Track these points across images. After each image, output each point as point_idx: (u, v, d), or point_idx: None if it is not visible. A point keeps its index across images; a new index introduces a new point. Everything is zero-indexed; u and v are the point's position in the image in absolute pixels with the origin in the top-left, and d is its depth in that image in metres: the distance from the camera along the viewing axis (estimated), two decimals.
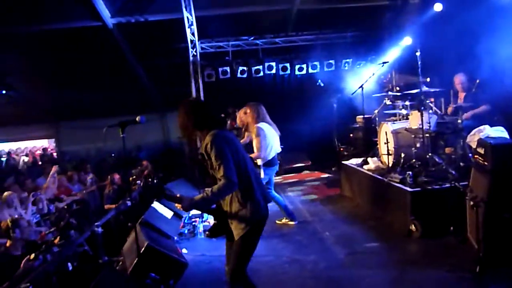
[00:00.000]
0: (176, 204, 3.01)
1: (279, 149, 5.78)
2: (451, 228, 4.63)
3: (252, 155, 5.69)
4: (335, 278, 4.10)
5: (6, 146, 17.32)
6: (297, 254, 4.88)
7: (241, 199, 2.94)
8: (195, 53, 10.89)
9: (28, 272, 3.66)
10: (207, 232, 3.38)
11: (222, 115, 8.68)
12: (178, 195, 3.02)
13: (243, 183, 2.91)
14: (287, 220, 6.04)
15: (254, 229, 2.95)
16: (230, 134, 3.09)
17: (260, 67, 11.00)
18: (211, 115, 3.08)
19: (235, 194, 2.94)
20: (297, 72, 11.17)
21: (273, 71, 11.11)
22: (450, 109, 6.37)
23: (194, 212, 6.60)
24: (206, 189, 2.92)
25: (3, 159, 15.32)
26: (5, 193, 6.28)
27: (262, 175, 5.53)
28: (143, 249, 4.09)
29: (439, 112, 6.40)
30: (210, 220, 6.49)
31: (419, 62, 5.75)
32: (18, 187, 7.37)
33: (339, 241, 5.09)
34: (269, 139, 5.54)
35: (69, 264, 4.21)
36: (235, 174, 2.83)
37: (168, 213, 5.90)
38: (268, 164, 5.59)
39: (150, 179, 7.03)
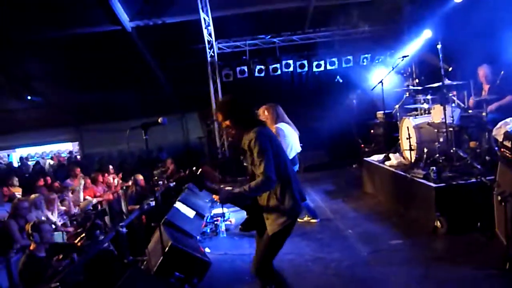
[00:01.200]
0: (214, 196, 3.10)
1: (299, 149, 5.75)
2: (478, 224, 4.52)
3: None
4: (359, 276, 4.06)
5: (32, 150, 17.83)
6: (320, 252, 4.85)
7: (280, 196, 2.98)
8: (212, 54, 10.97)
9: (56, 272, 3.77)
10: (240, 226, 3.45)
11: None
12: (216, 187, 3.14)
13: (282, 180, 2.96)
14: (309, 218, 6.02)
15: (288, 226, 2.99)
16: (269, 131, 3.14)
17: (278, 65, 11.00)
18: (251, 112, 3.16)
19: (274, 191, 2.98)
20: (315, 69, 11.12)
21: (291, 69, 11.10)
22: (471, 102, 6.20)
23: (216, 211, 6.66)
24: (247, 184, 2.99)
25: (31, 162, 15.77)
26: (32, 195, 6.45)
27: None
28: (167, 248, 4.15)
29: (462, 105, 6.25)
30: (232, 219, 6.54)
31: (441, 55, 5.64)
32: (45, 189, 7.57)
33: (362, 239, 5.04)
34: (289, 139, 5.52)
35: (96, 263, 4.32)
36: (274, 172, 2.88)
37: (190, 213, 5.97)
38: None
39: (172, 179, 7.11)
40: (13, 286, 4.40)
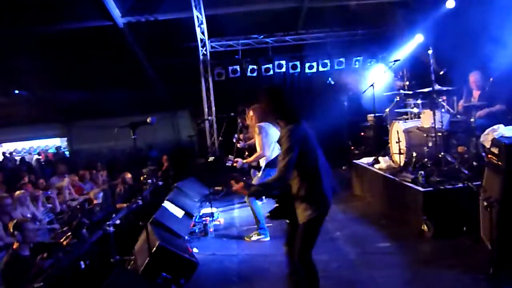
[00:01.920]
0: (234, 187, 3.27)
1: None
2: (464, 228, 4.57)
3: (255, 155, 5.64)
4: (347, 278, 4.08)
5: (19, 145, 17.57)
6: None
7: (309, 189, 3.12)
8: (205, 52, 10.91)
9: (40, 271, 3.71)
10: (267, 214, 3.51)
11: (232, 114, 8.67)
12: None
13: (312, 175, 3.13)
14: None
15: (318, 217, 3.13)
16: (305, 128, 3.21)
17: (270, 65, 10.97)
18: (290, 106, 3.24)
19: (304, 183, 3.13)
20: (307, 71, 11.12)
21: (283, 69, 11.08)
22: (460, 106, 6.26)
23: (205, 211, 6.64)
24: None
25: (17, 157, 15.53)
26: (17, 192, 6.36)
27: (259, 175, 5.45)
28: (154, 248, 4.12)
29: (451, 110, 6.31)
30: (221, 219, 6.52)
31: (432, 60, 5.68)
32: (30, 186, 7.47)
33: (350, 241, 5.06)
34: (271, 138, 5.43)
35: (82, 263, 4.26)
36: (291, 172, 3.06)
37: (179, 213, 5.93)
38: (271, 164, 5.43)
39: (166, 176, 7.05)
40: None
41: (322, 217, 3.16)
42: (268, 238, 5.56)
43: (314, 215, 3.09)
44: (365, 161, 7.32)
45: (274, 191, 3.27)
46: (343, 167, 9.70)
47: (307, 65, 11.02)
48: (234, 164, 5.28)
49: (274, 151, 5.46)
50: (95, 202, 7.16)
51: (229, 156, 5.80)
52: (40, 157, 16.40)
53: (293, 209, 3.20)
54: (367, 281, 3.96)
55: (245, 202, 7.60)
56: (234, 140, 7.09)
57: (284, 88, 3.46)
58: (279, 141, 3.18)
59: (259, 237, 5.56)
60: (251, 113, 6.12)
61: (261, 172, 5.47)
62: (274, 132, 5.54)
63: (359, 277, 4.06)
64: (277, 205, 3.34)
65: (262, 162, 5.53)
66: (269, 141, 5.42)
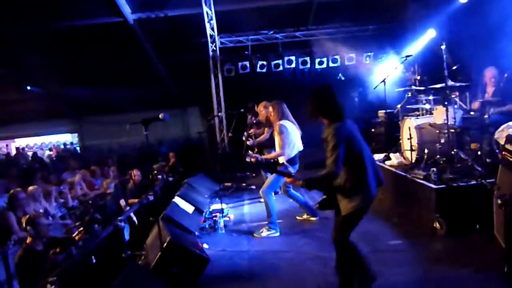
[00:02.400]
0: (287, 179, 3.55)
1: (301, 147, 5.70)
2: (477, 226, 4.51)
3: (274, 153, 5.66)
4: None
5: (31, 141, 17.78)
6: (319, 250, 4.84)
7: (354, 182, 3.31)
8: (214, 48, 10.91)
9: (54, 265, 3.75)
10: (316, 205, 3.69)
11: (242, 110, 8.67)
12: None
13: (358, 169, 3.30)
14: (308, 216, 6.00)
15: (360, 209, 3.31)
16: (349, 125, 3.39)
17: (280, 61, 10.95)
18: (335, 104, 3.40)
19: (350, 177, 3.30)
20: (317, 66, 11.07)
21: (293, 65, 11.04)
22: (476, 105, 6.16)
23: (215, 207, 6.65)
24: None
25: (30, 153, 15.71)
26: (30, 188, 6.43)
27: (292, 170, 5.41)
28: (165, 244, 4.13)
29: (464, 106, 6.22)
30: (231, 215, 6.53)
31: (445, 56, 5.59)
32: (42, 182, 7.55)
33: (361, 238, 4.95)
34: (292, 137, 5.49)
35: (93, 257, 4.30)
36: (339, 167, 3.22)
37: (189, 208, 5.95)
38: (290, 162, 5.51)
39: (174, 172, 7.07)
40: (10, 278, 4.39)
41: (365, 208, 3.34)
42: (278, 234, 5.55)
43: (359, 206, 3.28)
44: (376, 157, 7.24)
45: (324, 185, 3.45)
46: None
47: (317, 60, 10.97)
48: (252, 159, 5.33)
49: (293, 149, 5.52)
50: (107, 191, 7.25)
51: (249, 151, 5.82)
52: (51, 152, 16.58)
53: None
54: (379, 278, 3.90)
55: (255, 199, 7.63)
56: (244, 138, 7.09)
57: (329, 87, 3.55)
58: (325, 139, 3.32)
59: (268, 232, 5.55)
60: (263, 108, 6.12)
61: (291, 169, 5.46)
62: (294, 130, 5.57)
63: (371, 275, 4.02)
64: (324, 196, 3.54)
65: (281, 160, 5.54)
66: (289, 140, 5.46)
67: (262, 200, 5.75)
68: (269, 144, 6.73)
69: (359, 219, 3.39)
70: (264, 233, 5.55)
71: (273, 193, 5.74)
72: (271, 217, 5.56)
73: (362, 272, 3.48)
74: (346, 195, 3.34)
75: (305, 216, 6.03)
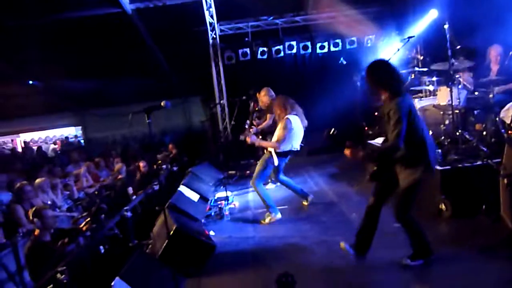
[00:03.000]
0: (346, 151, 3.62)
1: (298, 147, 5.70)
2: (483, 207, 4.50)
3: (270, 143, 5.66)
4: (365, 260, 4.06)
5: (35, 135, 17.84)
6: (324, 235, 4.86)
7: (416, 155, 3.43)
8: (214, 36, 10.82)
9: (62, 256, 3.79)
10: (367, 177, 3.82)
11: (244, 97, 8.64)
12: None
13: (418, 143, 3.42)
14: (303, 201, 6.03)
15: (419, 182, 3.46)
16: (409, 100, 3.48)
17: (281, 47, 10.85)
18: (396, 78, 3.46)
19: (411, 151, 3.40)
20: (318, 51, 10.96)
21: (294, 50, 10.94)
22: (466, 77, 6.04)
23: (220, 195, 6.68)
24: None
25: (35, 147, 15.78)
26: (38, 180, 6.47)
27: (276, 162, 5.51)
28: (172, 232, 4.16)
29: (468, 86, 6.15)
30: (236, 203, 6.56)
31: (448, 35, 5.51)
32: (47, 174, 7.60)
33: None
34: (292, 136, 5.51)
35: (101, 247, 4.34)
36: (402, 140, 3.31)
37: (194, 196, 5.98)
38: (281, 154, 5.56)
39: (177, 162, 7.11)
40: (21, 269, 4.45)
41: (423, 181, 3.47)
42: (280, 215, 5.60)
43: (419, 179, 3.42)
44: (379, 141, 7.20)
45: (386, 158, 3.54)
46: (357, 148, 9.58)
47: (318, 45, 10.86)
48: (247, 139, 5.37)
49: (288, 146, 5.53)
50: (119, 177, 7.31)
51: (246, 132, 5.81)
52: (56, 146, 16.63)
53: (391, 172, 3.57)
54: (385, 261, 3.94)
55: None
56: (246, 126, 7.07)
57: (386, 61, 3.64)
58: (388, 114, 3.39)
59: (270, 217, 5.57)
60: (264, 95, 6.09)
61: (276, 159, 5.49)
62: (298, 127, 5.59)
63: (376, 257, 4.03)
64: (375, 168, 3.65)
65: (272, 149, 5.56)
66: (289, 137, 5.47)
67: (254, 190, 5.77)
68: (273, 131, 6.73)
69: (418, 192, 3.51)
70: (267, 220, 5.58)
71: (267, 183, 5.73)
72: (270, 207, 5.60)
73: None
74: (407, 168, 3.45)
75: (304, 202, 6.05)
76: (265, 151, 5.76)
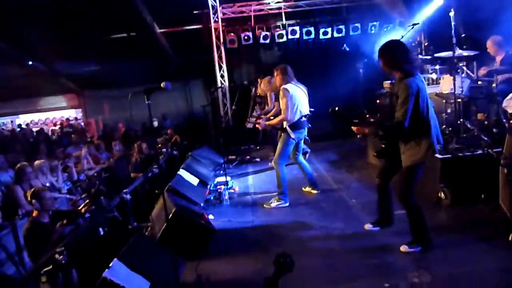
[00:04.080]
0: (354, 128, 3.77)
1: (307, 111, 5.54)
2: (482, 196, 4.51)
3: (277, 119, 5.60)
4: (362, 245, 4.09)
5: (35, 117, 17.80)
6: (323, 221, 4.88)
7: (418, 138, 3.51)
8: (216, 19, 10.69)
9: (61, 237, 3.80)
10: (374, 153, 4.05)
11: (245, 82, 8.60)
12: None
13: (422, 124, 3.48)
14: (310, 189, 6.01)
15: (421, 163, 3.55)
16: (419, 81, 3.50)
17: (283, 31, 10.73)
18: (408, 59, 3.50)
19: (416, 131, 3.49)
20: (321, 37, 10.85)
21: (297, 35, 10.82)
22: (482, 72, 6.00)
23: (219, 179, 6.69)
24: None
25: (34, 129, 15.75)
26: (37, 162, 6.46)
27: (292, 135, 5.41)
28: (171, 215, 4.17)
29: (472, 75, 6.09)
30: (235, 187, 6.57)
31: (453, 23, 5.43)
32: (46, 156, 7.59)
33: (365, 209, 5.04)
34: (295, 100, 5.35)
35: (100, 229, 4.36)
36: (408, 120, 3.40)
37: (194, 180, 5.98)
38: (294, 126, 5.41)
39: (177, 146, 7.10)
40: (19, 250, 4.47)
41: (424, 162, 3.57)
42: (287, 204, 5.56)
43: (421, 160, 3.51)
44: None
45: (391, 135, 3.67)
46: (358, 136, 9.56)
47: (321, 31, 10.74)
48: (257, 126, 5.27)
49: (296, 113, 5.40)
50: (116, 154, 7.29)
51: (250, 118, 5.72)
52: (56, 128, 16.61)
53: (396, 151, 3.67)
54: (383, 247, 3.96)
55: (258, 171, 7.66)
56: (251, 126, 6.89)
57: (400, 41, 3.71)
58: (397, 94, 3.47)
59: (278, 202, 5.55)
60: (266, 83, 5.99)
61: (291, 133, 5.42)
62: (299, 93, 5.45)
63: (375, 243, 4.06)
64: (383, 145, 3.77)
65: (284, 125, 5.46)
66: (293, 103, 5.35)
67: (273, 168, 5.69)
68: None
69: (418, 173, 3.59)
70: (274, 203, 5.56)
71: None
72: (282, 188, 5.57)
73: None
74: (410, 148, 3.54)
75: (307, 188, 6.04)
76: (281, 134, 5.65)
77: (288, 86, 5.36)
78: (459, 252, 3.70)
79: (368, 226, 4.29)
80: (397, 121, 3.44)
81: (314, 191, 5.95)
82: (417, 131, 3.49)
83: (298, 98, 5.41)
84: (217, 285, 3.71)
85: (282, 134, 5.59)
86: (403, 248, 3.77)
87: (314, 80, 10.49)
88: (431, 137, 3.50)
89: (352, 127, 3.79)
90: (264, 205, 5.61)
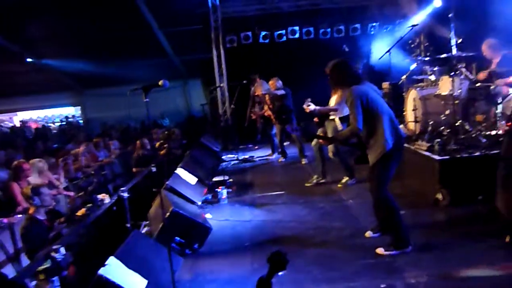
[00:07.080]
0: (320, 141, 4.19)
1: None
2: (480, 197, 4.51)
3: (328, 108, 5.87)
4: (361, 245, 4.08)
5: (34, 114, 17.78)
6: (321, 220, 4.88)
7: (373, 135, 3.72)
8: (216, 18, 10.67)
9: (58, 235, 3.80)
10: (354, 160, 4.35)
11: (245, 81, 8.57)
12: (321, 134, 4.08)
13: (374, 124, 3.69)
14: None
15: (385, 156, 3.68)
16: (365, 86, 3.79)
17: (283, 31, 10.72)
18: (348, 75, 3.86)
19: (370, 130, 3.71)
20: (321, 37, 10.83)
21: (297, 35, 10.82)
22: (482, 76, 5.99)
23: (218, 178, 6.69)
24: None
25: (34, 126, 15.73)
26: (35, 159, 6.43)
27: (340, 127, 5.66)
28: (168, 213, 4.17)
29: (470, 77, 6.09)
30: (233, 187, 6.56)
31: (452, 25, 5.44)
32: (46, 154, 7.58)
33: (363, 209, 5.03)
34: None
35: (97, 227, 4.35)
36: (361, 123, 3.65)
37: (192, 180, 5.97)
38: (343, 119, 5.61)
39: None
40: (17, 248, 4.46)
41: (389, 155, 3.67)
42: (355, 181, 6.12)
43: (381, 155, 3.67)
44: None
45: (350, 141, 3.98)
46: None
47: (321, 31, 10.72)
48: (307, 109, 5.68)
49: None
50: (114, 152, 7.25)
51: (308, 99, 5.95)
52: (54, 125, 16.61)
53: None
54: (381, 247, 3.95)
55: (257, 169, 7.67)
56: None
57: (340, 62, 4.02)
58: (346, 102, 3.79)
59: (346, 178, 6.15)
60: (274, 83, 6.09)
61: (340, 125, 5.72)
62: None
63: (373, 244, 4.05)
64: (360, 153, 3.95)
65: (333, 116, 5.81)
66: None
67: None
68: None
69: (387, 166, 3.72)
70: (344, 181, 6.15)
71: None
72: (349, 173, 6.12)
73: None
74: (370, 148, 3.77)
75: (314, 181, 6.21)
76: (326, 123, 5.92)
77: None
78: (456, 252, 3.70)
79: (369, 234, 4.26)
80: (350, 127, 3.75)
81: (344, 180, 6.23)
82: (373, 129, 3.71)
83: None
84: (214, 284, 3.71)
85: (328, 124, 5.90)
86: (379, 250, 3.81)
87: (314, 80, 10.48)
88: (384, 134, 3.67)
89: (320, 141, 4.11)
90: (338, 185, 6.13)
